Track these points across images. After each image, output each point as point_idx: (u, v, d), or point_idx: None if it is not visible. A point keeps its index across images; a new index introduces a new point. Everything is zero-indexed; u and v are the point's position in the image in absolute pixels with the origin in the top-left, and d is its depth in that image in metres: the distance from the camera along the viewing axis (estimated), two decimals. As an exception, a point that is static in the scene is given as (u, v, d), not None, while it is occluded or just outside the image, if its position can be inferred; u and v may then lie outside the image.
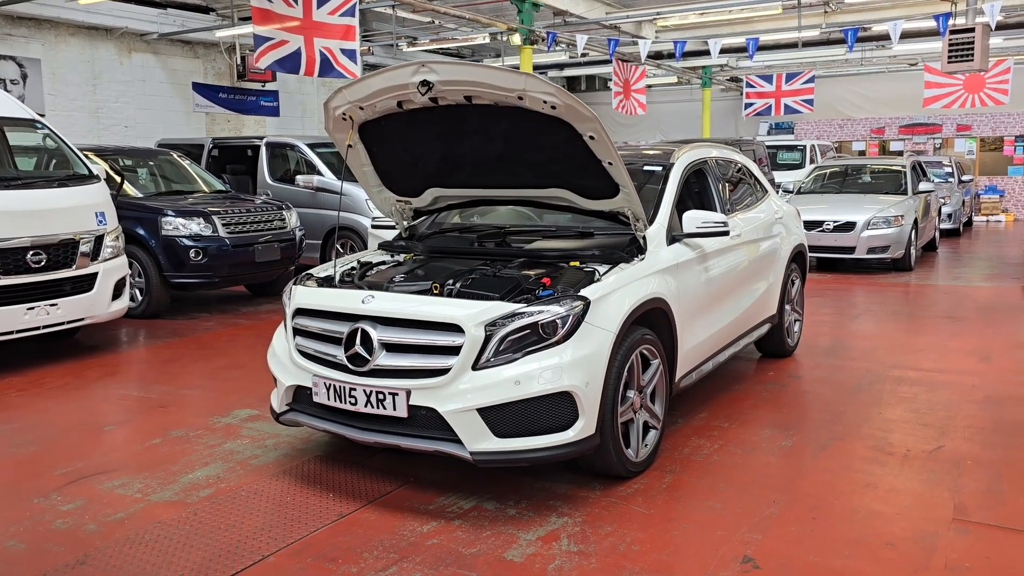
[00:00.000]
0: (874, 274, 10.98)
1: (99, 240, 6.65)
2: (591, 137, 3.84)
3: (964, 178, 16.75)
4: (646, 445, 4.05)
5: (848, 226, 10.88)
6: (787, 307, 6.21)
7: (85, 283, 6.54)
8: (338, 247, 10.13)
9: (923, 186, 11.91)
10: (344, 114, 4.25)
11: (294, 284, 4.25)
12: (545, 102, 3.71)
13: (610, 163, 3.95)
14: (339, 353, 3.76)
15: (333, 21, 9.74)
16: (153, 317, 8.21)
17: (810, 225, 10.48)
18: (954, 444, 4.42)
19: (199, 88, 15.87)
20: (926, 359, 6.31)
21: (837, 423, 4.79)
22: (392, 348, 3.66)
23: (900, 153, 21.71)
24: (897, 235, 10.79)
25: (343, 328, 3.78)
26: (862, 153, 22.78)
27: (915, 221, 11.21)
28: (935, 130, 22.18)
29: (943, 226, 15.08)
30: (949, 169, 16.58)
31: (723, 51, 15.07)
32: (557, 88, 3.68)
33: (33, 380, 5.97)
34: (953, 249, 14.05)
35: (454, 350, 3.54)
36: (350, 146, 4.44)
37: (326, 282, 4.23)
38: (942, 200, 14.79)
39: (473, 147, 4.28)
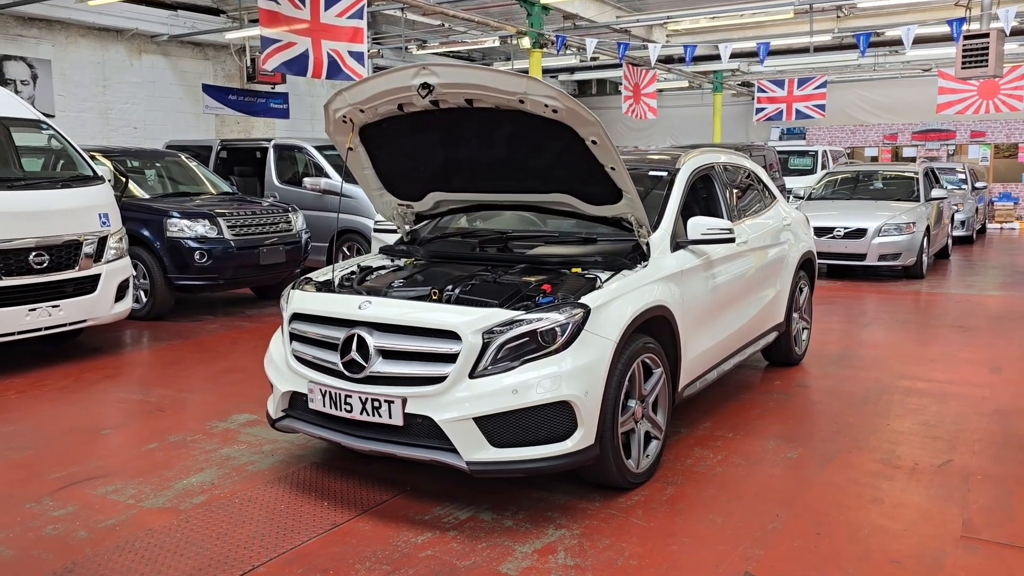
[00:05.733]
0: (885, 282, 10.85)
1: (102, 241, 6.62)
2: (593, 142, 3.77)
3: (978, 185, 16.58)
4: (647, 456, 3.98)
5: (859, 233, 10.76)
6: (795, 315, 6.12)
7: (88, 285, 6.51)
8: (344, 250, 10.10)
9: (936, 193, 11.77)
10: (344, 116, 4.19)
11: (292, 288, 4.20)
12: (547, 106, 3.65)
13: (612, 168, 3.89)
14: (335, 359, 3.70)
15: (341, 23, 9.72)
16: (157, 319, 8.19)
17: (821, 232, 10.38)
18: (963, 458, 4.32)
19: (209, 90, 15.89)
20: (936, 370, 6.20)
21: (844, 435, 4.70)
22: (388, 355, 3.60)
23: (913, 159, 21.53)
24: (909, 242, 10.66)
25: (339, 334, 3.72)
26: (875, 159, 22.62)
27: (927, 228, 11.08)
28: (949, 136, 22.01)
29: (956, 233, 14.92)
30: (963, 176, 16.42)
31: (734, 55, 14.95)
32: (559, 91, 3.61)
33: (33, 382, 5.94)
34: (966, 257, 13.90)
35: (451, 357, 3.48)
36: (351, 149, 4.39)
37: (325, 287, 4.18)
38: (955, 207, 14.63)
39: (475, 151, 4.22)
